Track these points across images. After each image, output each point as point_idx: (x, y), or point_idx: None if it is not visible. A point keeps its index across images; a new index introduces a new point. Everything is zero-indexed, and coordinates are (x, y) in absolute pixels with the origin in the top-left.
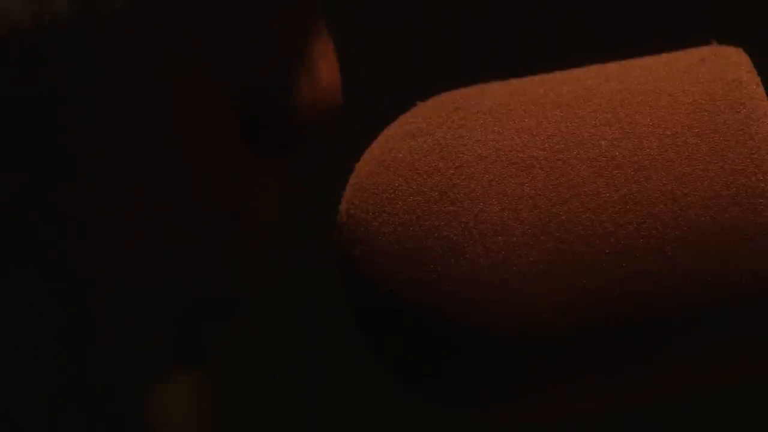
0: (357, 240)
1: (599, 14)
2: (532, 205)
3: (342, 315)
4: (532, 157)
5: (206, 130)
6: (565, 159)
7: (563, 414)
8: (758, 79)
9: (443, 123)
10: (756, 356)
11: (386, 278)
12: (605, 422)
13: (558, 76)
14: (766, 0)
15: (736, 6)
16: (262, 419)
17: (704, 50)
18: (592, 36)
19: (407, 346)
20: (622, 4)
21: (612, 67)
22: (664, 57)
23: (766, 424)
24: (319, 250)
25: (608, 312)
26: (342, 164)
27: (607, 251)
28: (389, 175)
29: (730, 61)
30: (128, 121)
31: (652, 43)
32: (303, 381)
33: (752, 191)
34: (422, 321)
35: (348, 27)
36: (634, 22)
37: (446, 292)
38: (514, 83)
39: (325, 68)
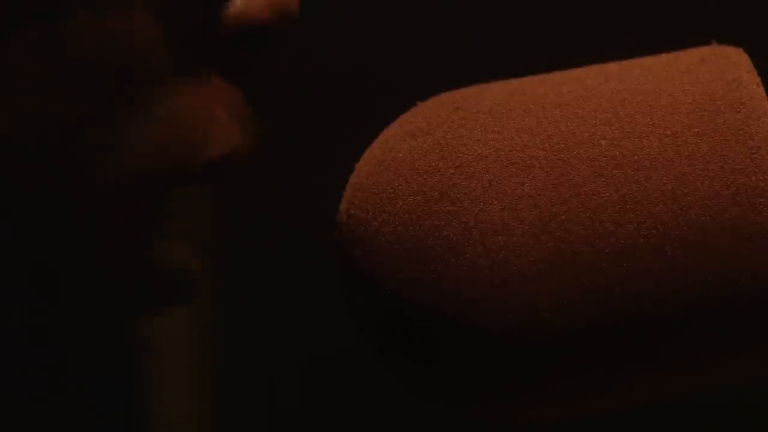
0: (357, 240)
1: (599, 14)
2: (532, 204)
3: (342, 315)
4: (532, 157)
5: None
6: (565, 159)
7: (563, 414)
8: (758, 79)
9: (443, 123)
10: (756, 356)
11: (386, 278)
12: (605, 422)
13: (558, 76)
14: (766, 0)
15: (736, 6)
16: (262, 419)
17: (704, 50)
18: (592, 36)
19: (407, 346)
20: (623, 4)
21: (612, 67)
22: (664, 57)
23: (766, 424)
24: (319, 250)
25: (608, 312)
26: (342, 164)
27: (607, 251)
28: (389, 175)
29: (730, 61)
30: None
31: (652, 43)
32: (303, 381)
33: (752, 191)
34: (422, 321)
35: (348, 27)
36: (634, 22)
37: (446, 292)
38: (514, 83)
39: None
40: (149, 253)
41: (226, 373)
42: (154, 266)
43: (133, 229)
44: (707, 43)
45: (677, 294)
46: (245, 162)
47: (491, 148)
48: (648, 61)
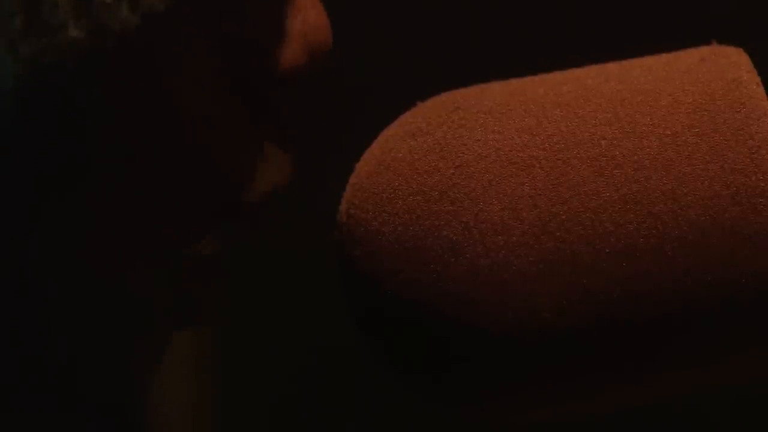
0: (357, 240)
1: (599, 14)
2: (532, 204)
3: (342, 315)
4: (532, 157)
5: (198, 91)
6: (565, 159)
7: (563, 414)
8: (758, 79)
9: (443, 123)
10: (756, 356)
11: (386, 278)
12: (605, 422)
13: (558, 76)
14: (766, 0)
15: (736, 6)
16: (262, 419)
17: (704, 50)
18: (592, 36)
19: (407, 346)
20: (622, 4)
21: (612, 67)
22: (664, 57)
23: (766, 424)
24: (319, 250)
25: (608, 312)
26: (342, 164)
27: (607, 251)
28: (389, 175)
29: (730, 61)
30: (133, 108)
31: (652, 43)
32: (303, 381)
33: (752, 191)
34: (422, 321)
35: (348, 27)
36: (634, 22)
37: (446, 292)
38: (514, 83)
39: (312, 10)
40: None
41: (225, 372)
42: (180, 288)
43: (172, 254)
44: (707, 43)
45: (677, 294)
46: (283, 194)
47: (491, 148)
48: (648, 61)
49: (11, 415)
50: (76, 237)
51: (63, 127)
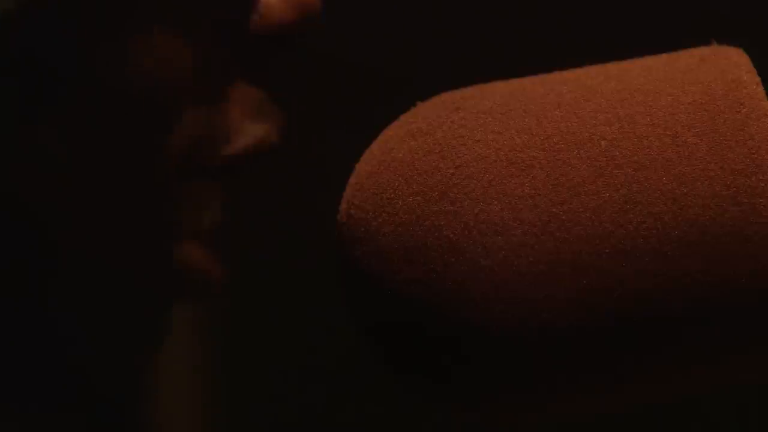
0: (357, 240)
1: (599, 14)
2: (532, 205)
3: (342, 315)
4: (532, 157)
5: (181, 40)
6: (565, 159)
7: (563, 413)
8: (758, 79)
9: (443, 123)
10: (756, 356)
11: (386, 278)
12: (605, 422)
13: (558, 76)
14: (766, 0)
15: (736, 6)
16: (262, 419)
17: (704, 50)
18: (592, 36)
19: (407, 346)
20: (622, 4)
21: (612, 67)
22: (664, 57)
23: (766, 424)
24: (319, 250)
25: (608, 312)
26: (342, 164)
27: (607, 251)
28: (389, 175)
29: (730, 61)
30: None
31: (652, 43)
32: (303, 380)
33: (752, 191)
34: (422, 321)
35: (348, 27)
36: (634, 22)
37: (446, 292)
38: (514, 83)
39: None
40: (173, 246)
41: (226, 372)
42: (177, 260)
43: (163, 221)
44: (707, 43)
45: (677, 294)
46: (267, 153)
47: (491, 148)
48: (648, 61)
49: (17, 415)
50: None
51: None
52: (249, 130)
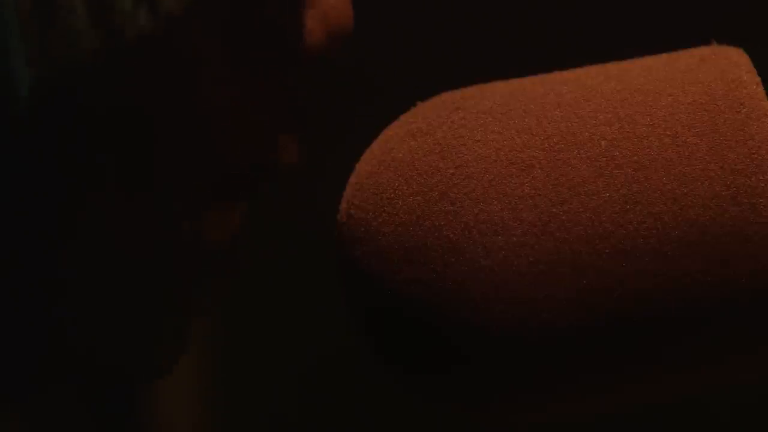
0: (357, 240)
1: (600, 14)
2: (532, 205)
3: (342, 314)
4: (532, 157)
5: (218, 81)
6: (565, 159)
7: (563, 413)
8: (758, 79)
9: (443, 123)
10: (756, 356)
11: (386, 278)
12: (605, 422)
13: (558, 76)
14: (766, 0)
15: (736, 6)
16: (262, 420)
17: (704, 50)
18: (592, 36)
19: (407, 346)
20: (622, 4)
21: (612, 67)
22: (664, 57)
23: (766, 424)
24: (319, 250)
25: (608, 312)
26: (342, 164)
27: (607, 251)
28: (389, 175)
29: (730, 61)
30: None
31: (652, 43)
32: (303, 380)
33: (752, 191)
34: (422, 320)
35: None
36: (634, 22)
37: (446, 292)
38: (514, 83)
39: None
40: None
41: (226, 372)
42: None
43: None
44: (707, 43)
45: (677, 294)
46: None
47: (491, 148)
48: (648, 61)
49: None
50: (105, 237)
51: (77, 133)
52: (281, 156)
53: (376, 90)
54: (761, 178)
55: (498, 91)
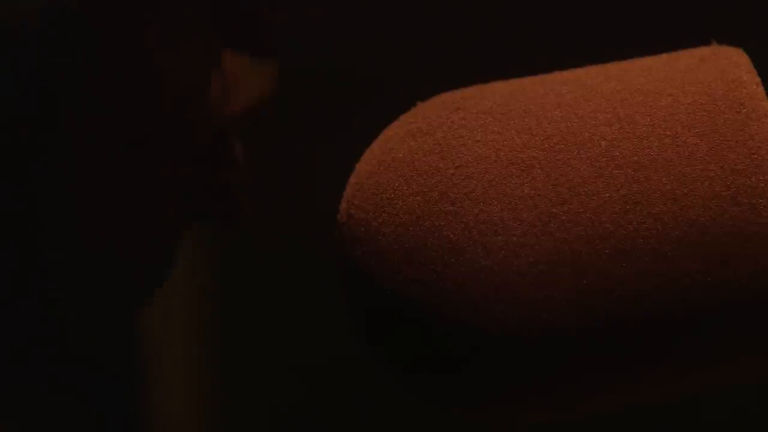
0: (357, 240)
1: (600, 14)
2: (532, 205)
3: (342, 315)
4: (532, 157)
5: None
6: (565, 159)
7: (563, 413)
8: (758, 79)
9: (443, 123)
10: (756, 356)
11: (386, 278)
12: (605, 422)
13: (558, 76)
14: (766, 0)
15: (736, 6)
16: (262, 420)
17: (704, 50)
18: (592, 36)
19: (407, 346)
20: (622, 4)
21: (612, 67)
22: (664, 57)
23: (766, 424)
24: (319, 250)
25: (608, 312)
26: (342, 164)
27: (607, 251)
28: (389, 175)
29: (730, 61)
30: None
31: (652, 43)
32: (302, 380)
33: (752, 191)
34: (422, 321)
35: (348, 27)
36: (634, 22)
37: (446, 293)
38: (514, 83)
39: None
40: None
41: (226, 372)
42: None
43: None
44: (707, 43)
45: (677, 294)
46: (267, 108)
47: (491, 149)
48: (648, 61)
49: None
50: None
51: (29, 89)
52: (247, 88)
53: (376, 90)
54: (761, 178)
55: (498, 91)
